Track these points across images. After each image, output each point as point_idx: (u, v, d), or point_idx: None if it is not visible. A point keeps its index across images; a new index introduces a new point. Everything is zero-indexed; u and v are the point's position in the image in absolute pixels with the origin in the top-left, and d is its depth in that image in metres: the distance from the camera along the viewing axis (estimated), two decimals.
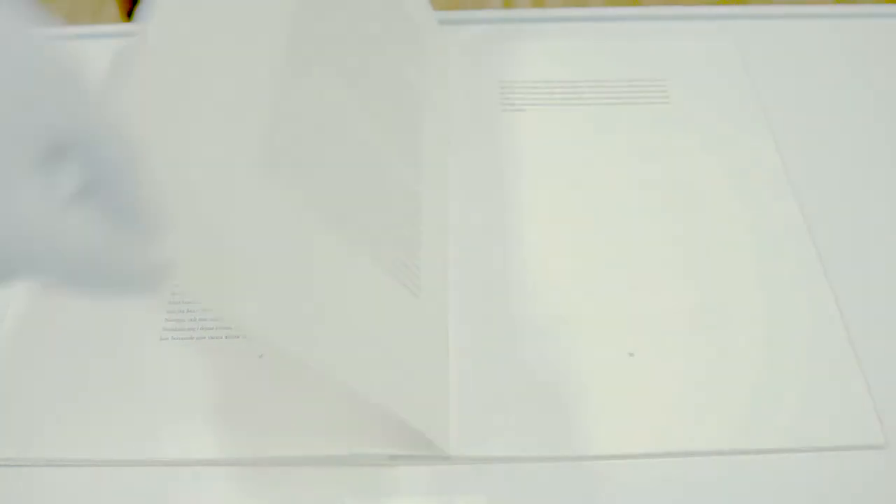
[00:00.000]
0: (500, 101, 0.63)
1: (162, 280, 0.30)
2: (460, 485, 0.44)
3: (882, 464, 0.44)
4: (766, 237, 0.54)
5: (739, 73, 0.65)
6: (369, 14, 0.57)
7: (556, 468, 0.44)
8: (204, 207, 0.36)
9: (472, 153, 0.59)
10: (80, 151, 0.27)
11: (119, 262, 0.28)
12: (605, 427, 0.45)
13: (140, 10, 0.38)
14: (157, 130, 0.35)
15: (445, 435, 0.44)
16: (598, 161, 0.58)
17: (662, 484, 0.43)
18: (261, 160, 0.40)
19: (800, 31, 0.69)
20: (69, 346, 0.49)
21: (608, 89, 0.63)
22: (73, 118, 0.27)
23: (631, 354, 0.48)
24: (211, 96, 0.40)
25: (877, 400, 0.46)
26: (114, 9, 1.79)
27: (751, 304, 0.50)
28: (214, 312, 0.46)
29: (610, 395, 0.46)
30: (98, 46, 0.69)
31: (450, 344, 0.48)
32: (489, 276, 0.52)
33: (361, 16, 0.56)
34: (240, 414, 0.46)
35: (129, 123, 0.29)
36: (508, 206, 0.55)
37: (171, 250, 0.30)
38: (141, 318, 0.50)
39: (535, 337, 0.49)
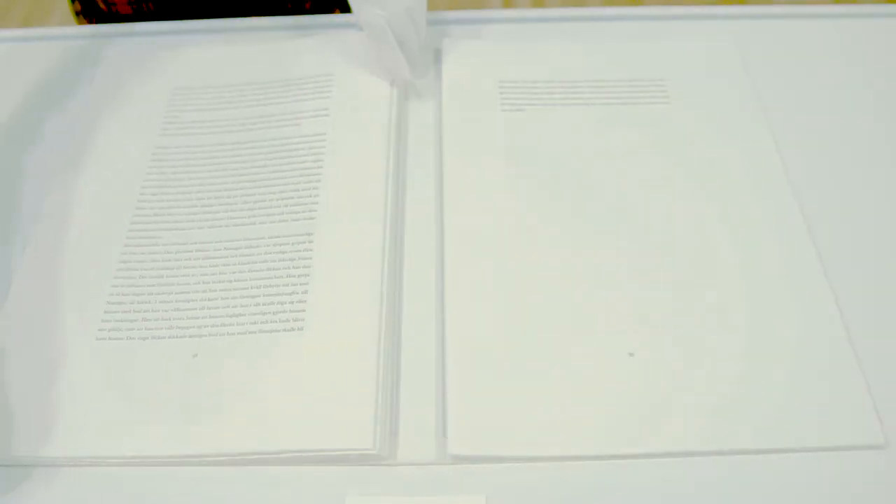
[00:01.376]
0: (500, 101, 0.63)
1: None
2: (460, 485, 0.44)
3: (882, 464, 0.44)
4: (765, 237, 0.53)
5: (739, 73, 0.65)
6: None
7: (556, 468, 0.44)
8: None
9: (472, 153, 0.59)
10: None
11: None
12: (605, 427, 0.45)
13: None
14: None
15: (368, 438, 0.44)
16: (597, 161, 0.58)
17: (662, 484, 0.43)
18: None
19: (800, 31, 0.69)
20: (4, 347, 0.49)
21: (608, 89, 0.63)
22: None
23: (631, 354, 0.48)
24: None
25: (877, 400, 0.46)
26: None
27: (750, 304, 0.50)
28: None
29: (610, 395, 0.46)
30: (98, 46, 0.69)
31: (448, 345, 0.48)
32: (487, 275, 0.52)
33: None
34: (176, 411, 0.46)
35: None
36: (507, 206, 0.55)
37: None
38: (78, 318, 0.50)
39: (535, 337, 0.49)
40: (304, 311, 0.50)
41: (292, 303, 0.50)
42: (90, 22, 0.78)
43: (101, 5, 0.76)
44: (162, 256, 0.53)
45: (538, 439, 0.45)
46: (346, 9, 0.79)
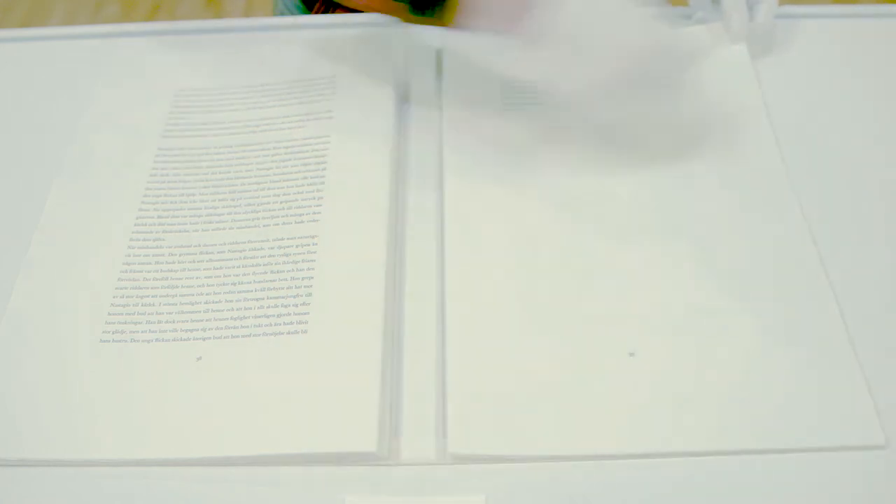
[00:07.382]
0: (500, 101, 0.62)
1: None
2: (460, 485, 0.44)
3: (883, 464, 0.44)
4: (766, 236, 0.53)
5: (740, 70, 0.65)
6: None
7: (556, 468, 0.44)
8: None
9: (473, 154, 0.59)
10: None
11: None
12: (605, 427, 0.45)
13: None
14: None
15: (373, 440, 0.44)
16: (598, 160, 0.58)
17: (662, 484, 0.43)
18: None
19: (800, 31, 0.69)
20: (8, 348, 0.49)
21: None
22: None
23: (631, 354, 0.48)
24: None
25: (877, 400, 0.46)
26: (114, 8, 1.80)
27: (751, 304, 0.50)
28: None
29: (610, 394, 0.46)
30: (98, 46, 0.69)
31: (448, 344, 0.48)
32: (488, 276, 0.52)
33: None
34: (180, 415, 0.46)
35: None
36: (508, 205, 0.55)
37: None
38: (82, 320, 0.50)
39: (535, 336, 0.49)
40: (307, 313, 0.49)
41: (296, 305, 0.50)
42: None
43: None
44: (166, 259, 0.53)
45: (538, 439, 0.45)
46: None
